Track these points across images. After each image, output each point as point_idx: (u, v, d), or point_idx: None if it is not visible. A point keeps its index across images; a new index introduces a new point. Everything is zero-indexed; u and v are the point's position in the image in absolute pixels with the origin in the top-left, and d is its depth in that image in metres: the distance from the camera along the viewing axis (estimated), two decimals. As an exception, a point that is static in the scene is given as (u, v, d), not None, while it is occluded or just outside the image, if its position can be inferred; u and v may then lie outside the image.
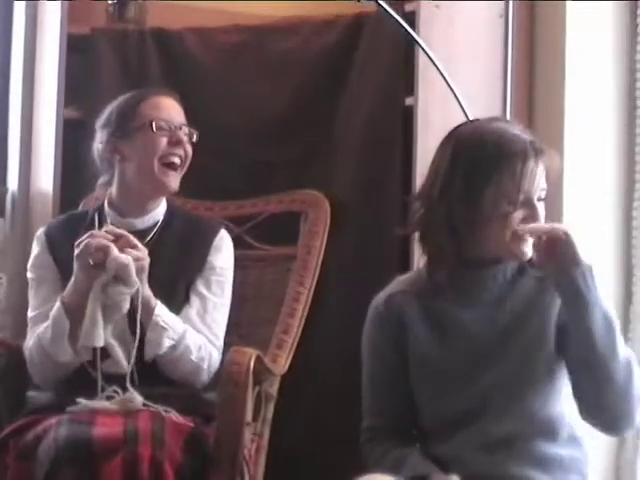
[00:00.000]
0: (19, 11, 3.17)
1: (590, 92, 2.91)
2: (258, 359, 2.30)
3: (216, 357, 2.48)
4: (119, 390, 2.30)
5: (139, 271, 2.31)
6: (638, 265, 2.90)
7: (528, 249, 2.02)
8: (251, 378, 2.24)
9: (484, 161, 1.99)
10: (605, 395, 1.97)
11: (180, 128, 2.54)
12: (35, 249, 2.58)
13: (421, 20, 2.86)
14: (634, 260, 2.90)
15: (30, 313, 2.52)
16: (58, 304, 2.38)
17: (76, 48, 3.03)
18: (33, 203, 3.12)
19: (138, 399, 2.29)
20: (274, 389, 2.56)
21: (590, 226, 2.87)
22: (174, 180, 2.53)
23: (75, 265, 2.36)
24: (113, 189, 2.58)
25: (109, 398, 2.30)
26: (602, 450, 2.83)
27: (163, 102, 2.57)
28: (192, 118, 2.79)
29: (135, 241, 2.36)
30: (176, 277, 2.50)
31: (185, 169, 2.56)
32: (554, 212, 2.18)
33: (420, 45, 2.70)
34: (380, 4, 2.66)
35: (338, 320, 2.93)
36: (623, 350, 1.98)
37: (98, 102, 3.00)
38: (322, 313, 2.83)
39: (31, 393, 2.49)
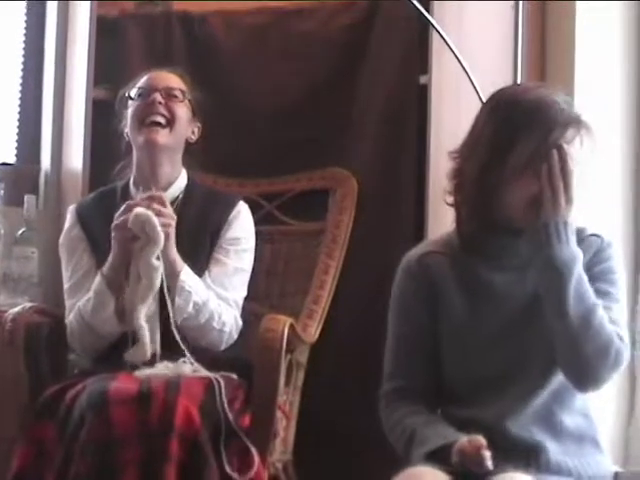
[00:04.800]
0: (52, -4, 3.24)
1: (599, 75, 2.91)
2: (291, 327, 2.33)
3: (237, 321, 2.52)
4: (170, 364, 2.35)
5: (165, 236, 2.37)
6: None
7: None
8: (285, 344, 2.28)
9: (517, 120, 1.97)
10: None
11: (156, 90, 2.61)
12: (67, 224, 2.66)
13: (435, 1, 2.85)
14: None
15: (65, 285, 2.59)
16: (99, 278, 2.45)
17: (105, 30, 3.07)
18: (64, 181, 3.18)
19: (189, 367, 2.34)
20: (304, 357, 2.61)
21: (599, 193, 2.80)
22: (161, 136, 2.59)
23: (112, 239, 2.42)
24: (133, 167, 2.67)
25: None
26: (611, 421, 2.80)
27: (149, 75, 2.66)
28: (217, 98, 2.86)
29: (164, 203, 2.43)
30: (196, 248, 2.54)
31: (176, 127, 2.61)
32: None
33: (434, 26, 2.71)
34: (395, -15, 2.67)
35: (359, 290, 2.95)
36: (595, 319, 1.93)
37: (126, 82, 3.14)
38: (344, 284, 2.87)
39: (72, 356, 2.57)
